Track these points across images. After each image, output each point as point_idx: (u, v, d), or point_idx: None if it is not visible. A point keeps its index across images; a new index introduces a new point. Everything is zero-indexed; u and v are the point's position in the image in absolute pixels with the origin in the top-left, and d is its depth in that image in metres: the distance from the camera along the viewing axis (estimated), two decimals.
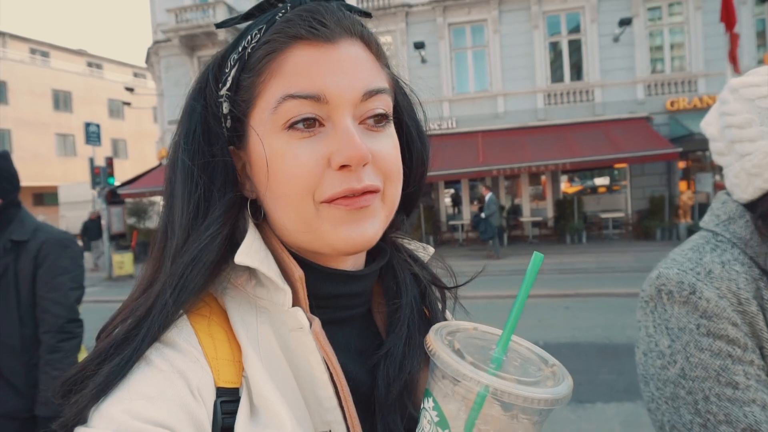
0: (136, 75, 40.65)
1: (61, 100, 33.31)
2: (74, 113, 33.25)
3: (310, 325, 0.55)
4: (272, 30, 0.56)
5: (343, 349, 0.57)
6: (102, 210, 16.16)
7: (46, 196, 32.54)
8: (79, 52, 38.16)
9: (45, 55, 35.27)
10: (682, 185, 16.94)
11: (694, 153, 16.67)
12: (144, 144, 36.79)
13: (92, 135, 15.40)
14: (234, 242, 0.57)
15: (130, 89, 21.13)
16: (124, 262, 15.09)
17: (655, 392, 0.89)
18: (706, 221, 1.00)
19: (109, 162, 16.09)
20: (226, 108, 0.59)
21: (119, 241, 17.60)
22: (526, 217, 17.79)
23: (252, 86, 0.56)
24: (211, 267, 0.55)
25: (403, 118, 0.66)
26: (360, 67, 0.56)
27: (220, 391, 0.52)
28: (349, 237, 0.55)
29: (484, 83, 17.27)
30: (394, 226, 0.69)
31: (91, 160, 15.69)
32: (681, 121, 15.30)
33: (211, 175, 0.58)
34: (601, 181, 18.39)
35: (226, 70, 0.59)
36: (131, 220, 20.19)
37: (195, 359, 0.52)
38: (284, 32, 0.55)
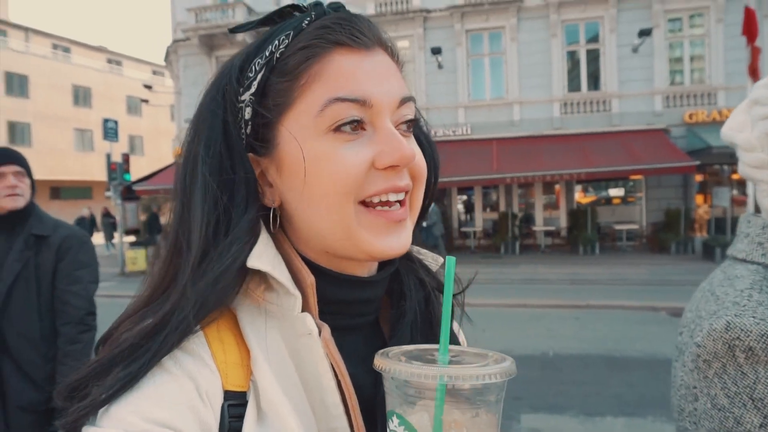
0: (155, 73, 41.14)
1: (81, 96, 33.80)
2: (93, 109, 33.72)
3: (320, 331, 0.55)
4: (308, 36, 0.57)
5: (350, 356, 0.57)
6: (117, 206, 16.33)
7: (63, 190, 33.00)
8: (100, 49, 38.73)
9: (66, 50, 35.84)
10: (699, 199, 16.73)
11: (711, 166, 16.46)
12: (160, 141, 37.18)
13: (110, 131, 15.59)
14: None
15: (148, 87, 21.39)
16: (137, 258, 15.23)
17: None
18: (748, 251, 0.83)
19: (126, 158, 16.27)
20: (248, 113, 0.58)
21: (136, 236, 17.74)
22: (538, 227, 17.68)
23: (288, 90, 0.56)
24: (233, 285, 0.55)
25: (418, 130, 0.69)
26: (393, 75, 0.59)
27: (228, 395, 0.53)
28: (387, 246, 0.57)
29: (500, 90, 17.22)
30: None
31: (108, 156, 15.88)
32: (699, 134, 15.13)
33: (232, 187, 0.57)
34: (616, 192, 18.22)
35: (250, 74, 0.58)
36: (144, 217, 20.39)
37: (204, 363, 0.53)
38: (324, 38, 0.56)
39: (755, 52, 9.63)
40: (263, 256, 0.55)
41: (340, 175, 0.55)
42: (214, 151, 0.57)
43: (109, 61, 38.80)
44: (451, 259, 0.52)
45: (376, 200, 0.57)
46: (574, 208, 17.29)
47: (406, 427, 0.46)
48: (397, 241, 0.58)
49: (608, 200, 18.21)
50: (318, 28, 0.57)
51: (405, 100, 0.59)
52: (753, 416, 0.66)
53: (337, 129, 0.55)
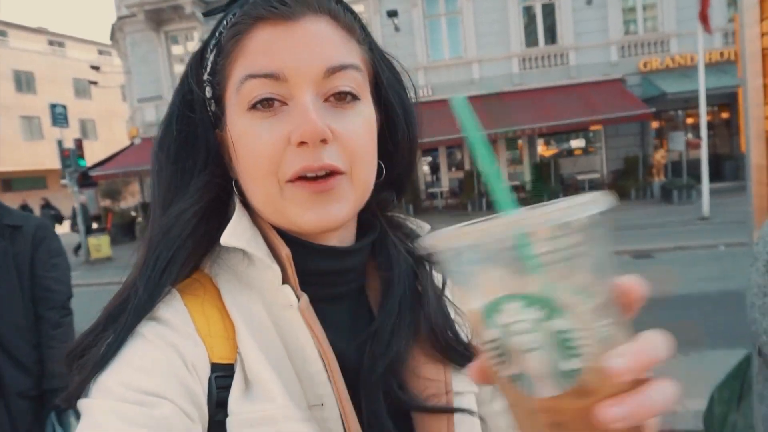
0: (101, 52, 39.28)
1: (24, 81, 32.09)
2: (38, 94, 32.10)
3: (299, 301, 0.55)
4: (239, 13, 0.57)
5: (333, 326, 0.57)
6: (74, 193, 15.81)
7: (15, 181, 31.65)
8: (39, 30, 36.63)
9: (2, 34, 33.80)
10: (656, 145, 17.21)
11: (666, 113, 16.90)
12: (113, 124, 35.83)
13: (59, 116, 14.93)
14: (227, 222, 0.58)
15: (95, 68, 20.46)
16: (100, 244, 14.86)
17: None
18: None
19: (79, 144, 15.66)
20: (209, 92, 0.60)
21: (97, 223, 17.27)
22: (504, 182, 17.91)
23: (223, 69, 0.58)
24: (188, 238, 0.56)
25: (386, 96, 0.64)
26: (323, 42, 0.55)
27: (215, 367, 0.53)
28: (314, 219, 0.55)
29: (458, 50, 17.12)
30: (384, 205, 0.69)
31: (60, 143, 15.25)
32: (654, 82, 15.45)
33: (191, 154, 0.59)
34: (577, 143, 18.57)
35: (207, 56, 0.60)
36: (105, 202, 19.83)
37: (187, 335, 0.53)
38: (248, 14, 0.56)
39: None
40: (237, 232, 0.56)
41: (257, 153, 0.55)
42: (172, 123, 0.60)
43: (51, 43, 36.80)
44: (455, 99, 0.43)
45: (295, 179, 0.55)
46: (537, 161, 17.58)
47: (538, 301, 0.32)
48: (325, 212, 0.55)
49: (570, 152, 18.55)
50: (249, 5, 0.56)
51: (335, 69, 0.55)
52: None
53: (253, 106, 0.55)
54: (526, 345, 0.33)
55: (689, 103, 14.98)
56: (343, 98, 0.56)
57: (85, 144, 17.02)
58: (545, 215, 0.32)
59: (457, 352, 0.64)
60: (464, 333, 0.67)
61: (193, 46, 18.46)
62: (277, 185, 0.55)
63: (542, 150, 18.40)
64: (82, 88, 34.08)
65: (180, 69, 18.87)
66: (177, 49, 18.89)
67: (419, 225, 0.72)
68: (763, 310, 0.89)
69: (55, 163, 19.07)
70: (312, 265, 0.59)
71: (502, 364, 0.35)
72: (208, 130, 0.60)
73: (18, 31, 34.90)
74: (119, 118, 34.10)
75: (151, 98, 18.55)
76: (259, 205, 0.58)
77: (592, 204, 0.34)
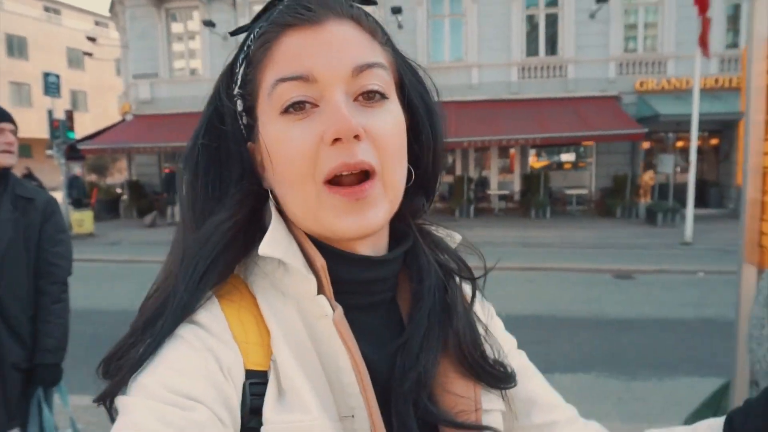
0: (97, 23, 38.69)
1: (15, 46, 31.49)
2: (30, 61, 31.57)
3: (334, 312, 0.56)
4: (267, 23, 0.58)
5: (365, 335, 0.59)
6: (60, 165, 15.55)
7: None
8: None
9: None
10: (644, 166, 17.39)
11: (657, 134, 17.09)
12: (106, 97, 35.33)
13: (51, 86, 14.67)
14: (263, 229, 0.59)
15: (92, 39, 20.19)
16: (84, 219, 14.64)
17: None
18: None
19: (69, 115, 15.40)
20: (240, 105, 0.61)
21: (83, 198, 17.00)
22: (493, 190, 18.02)
23: (253, 79, 0.59)
24: (226, 246, 0.57)
25: (410, 98, 0.64)
26: (349, 43, 0.57)
27: (249, 374, 0.54)
28: (352, 226, 0.56)
29: (459, 53, 17.15)
30: (414, 212, 0.69)
31: (50, 113, 14.99)
32: (648, 102, 15.61)
33: (225, 168, 0.61)
34: (568, 157, 18.71)
35: (237, 70, 0.61)
36: (91, 177, 19.55)
37: (225, 341, 0.54)
38: (275, 22, 0.57)
39: (705, 24, 9.91)
40: (274, 242, 0.56)
41: (292, 155, 0.55)
42: (205, 137, 0.61)
43: (47, 9, 36.14)
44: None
45: (334, 180, 0.56)
46: (528, 172, 17.67)
47: None
48: (360, 220, 0.56)
49: (560, 165, 18.70)
50: (275, 15, 0.58)
51: (363, 68, 0.56)
52: None
53: (285, 110, 0.56)
54: None
55: (681, 126, 15.16)
56: (372, 97, 0.57)
57: (75, 116, 16.74)
58: None
59: (484, 370, 0.65)
60: (491, 350, 0.68)
61: (193, 25, 18.27)
62: (314, 188, 0.56)
63: (533, 161, 18.50)
64: (75, 59, 33.56)
65: (179, 48, 18.68)
66: (176, 27, 18.66)
67: (449, 234, 0.72)
68: (760, 341, 0.94)
69: (41, 133, 18.75)
70: (346, 275, 0.60)
71: None
72: (240, 144, 0.61)
73: None
74: (112, 93, 33.59)
75: (147, 75, 18.31)
76: (296, 212, 0.59)
77: None
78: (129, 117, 18.40)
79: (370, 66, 0.57)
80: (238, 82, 0.61)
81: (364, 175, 0.56)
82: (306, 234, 0.60)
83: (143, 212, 17.87)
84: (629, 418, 3.85)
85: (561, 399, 0.76)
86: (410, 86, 0.65)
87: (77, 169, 15.71)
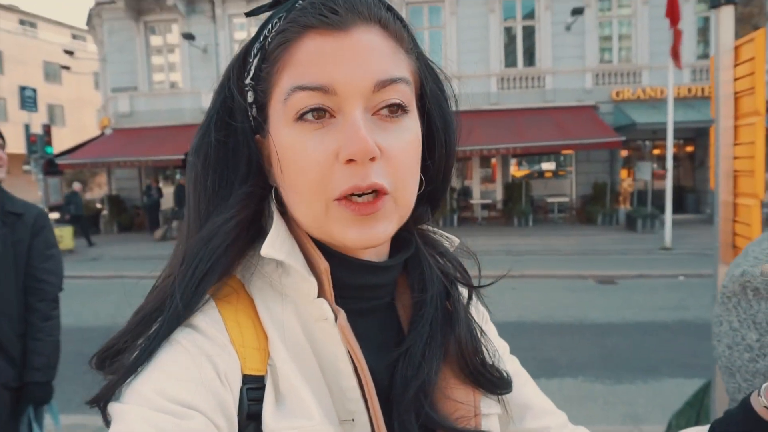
0: (74, 37, 38.27)
1: None
2: (5, 75, 31.07)
3: (335, 317, 0.55)
4: (287, 19, 0.55)
5: (364, 340, 0.57)
6: (38, 181, 15.29)
7: None
8: (10, 8, 35.48)
9: None
10: (623, 173, 17.73)
11: (635, 142, 17.46)
12: (84, 112, 34.88)
13: (28, 100, 14.49)
14: (262, 229, 0.58)
15: (69, 52, 19.96)
16: (63, 236, 14.39)
17: (743, 384, 0.94)
18: None
19: (47, 130, 15.19)
20: (251, 97, 0.58)
21: (60, 212, 16.70)
22: (475, 200, 18.18)
23: (269, 76, 0.56)
24: (227, 249, 0.56)
25: (429, 110, 0.62)
26: (373, 55, 0.53)
27: (246, 379, 0.53)
28: (358, 238, 0.55)
29: (438, 64, 17.22)
30: (418, 220, 0.67)
31: (27, 127, 14.77)
32: (625, 111, 15.95)
33: (232, 161, 0.58)
34: (548, 166, 18.97)
35: (250, 60, 0.58)
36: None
37: (222, 345, 0.53)
38: (296, 21, 0.54)
39: (677, 35, 10.19)
40: (276, 243, 0.55)
41: (305, 168, 0.53)
42: (212, 129, 0.58)
43: (22, 23, 35.65)
44: None
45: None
46: (509, 181, 17.88)
47: None
48: (371, 231, 0.54)
49: (541, 174, 18.94)
50: (297, 11, 0.54)
51: (385, 83, 0.53)
52: (752, 334, 0.93)
53: (301, 117, 0.53)
54: None
55: (657, 134, 15.51)
56: (394, 111, 0.55)
57: (53, 130, 16.52)
58: None
59: (484, 377, 0.65)
60: (488, 355, 0.67)
61: (173, 38, 18.21)
62: (323, 204, 0.54)
63: (514, 170, 18.73)
64: (52, 72, 33.12)
65: (158, 61, 18.57)
66: (155, 40, 18.57)
67: (448, 238, 0.71)
68: (719, 338, 1.00)
69: (17, 148, 18.41)
70: (347, 279, 0.59)
71: None
72: (249, 137, 0.58)
73: None
74: (90, 107, 33.22)
75: (126, 88, 18.15)
76: (302, 220, 0.57)
77: None
78: (108, 131, 18.20)
79: (393, 81, 0.54)
80: (251, 73, 0.58)
81: (376, 194, 0.54)
82: (310, 237, 0.59)
83: (124, 227, 17.63)
84: (616, 420, 3.92)
85: (553, 405, 0.77)
86: (431, 95, 0.62)
87: (76, 184, 15.41)
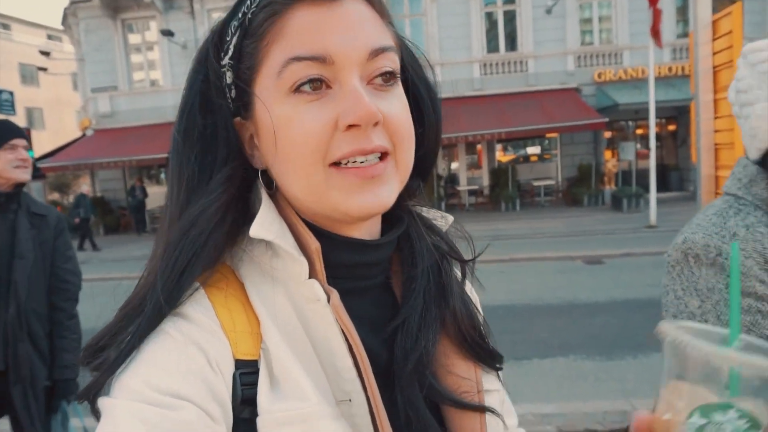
0: (50, 37, 37.56)
1: None
2: None
3: (328, 297, 0.54)
4: None
5: (358, 319, 0.56)
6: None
7: None
8: None
9: None
10: (607, 154, 17.88)
11: (618, 123, 17.60)
12: (63, 113, 34.33)
13: (5, 103, 14.23)
14: (250, 214, 0.57)
15: (45, 53, 19.58)
16: None
17: None
18: (728, 185, 1.01)
19: (26, 133, 14.92)
20: (229, 78, 0.57)
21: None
22: (462, 186, 18.23)
23: (255, 52, 0.55)
24: (210, 236, 0.54)
25: (411, 78, 0.63)
26: (364, 25, 0.54)
27: (239, 364, 0.52)
28: (362, 203, 0.54)
29: (420, 52, 17.25)
30: (410, 194, 0.67)
31: None
32: (607, 92, 16.05)
33: (210, 147, 0.57)
34: (534, 150, 19.07)
35: (227, 38, 0.57)
36: (53, 196, 18.99)
37: (212, 332, 0.52)
38: None
39: (656, 15, 10.24)
40: (265, 224, 0.55)
41: (303, 138, 0.53)
42: (189, 113, 0.57)
43: None
44: (734, 246, 0.50)
45: (344, 162, 0.54)
46: (495, 167, 17.95)
47: (743, 415, 0.43)
48: (374, 197, 0.54)
49: (526, 158, 19.04)
50: None
51: (378, 51, 0.54)
52: (694, 301, 0.92)
53: (298, 89, 0.53)
54: None
55: (639, 114, 15.64)
56: (387, 80, 0.55)
57: (33, 134, 16.26)
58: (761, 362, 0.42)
59: (483, 349, 0.65)
60: (484, 329, 0.68)
61: (151, 35, 17.94)
62: (322, 172, 0.54)
63: (500, 155, 18.80)
64: (29, 75, 32.50)
65: (137, 59, 18.30)
66: (134, 38, 18.29)
67: (443, 216, 0.71)
68: (666, 308, 1.00)
69: None
70: (339, 258, 0.59)
71: None
72: (227, 120, 0.57)
73: None
74: (69, 108, 32.71)
75: (105, 88, 17.88)
76: (299, 194, 0.56)
77: None
78: (89, 132, 17.95)
79: (384, 50, 0.55)
80: (230, 52, 0.56)
81: (380, 157, 0.55)
82: (300, 217, 0.58)
83: (110, 229, 17.44)
84: (607, 395, 3.98)
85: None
86: (411, 65, 0.64)
87: (85, 187, 15.17)
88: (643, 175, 14.82)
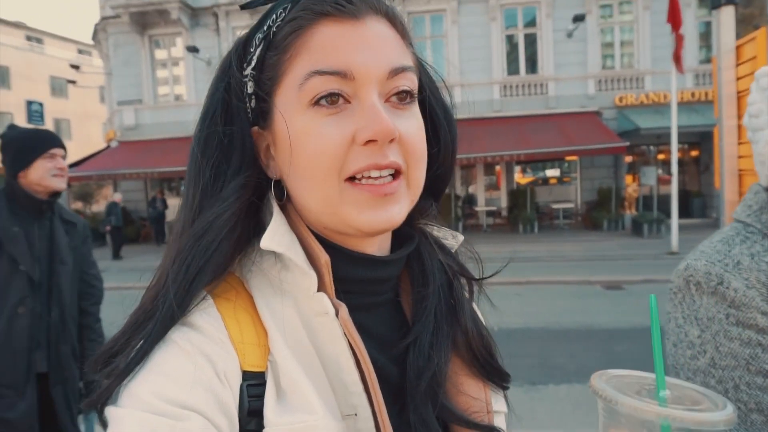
0: (80, 52, 38.71)
1: None
2: (12, 90, 31.39)
3: (336, 311, 0.54)
4: (298, 7, 0.56)
5: (367, 335, 0.57)
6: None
7: None
8: (17, 25, 35.94)
9: None
10: (628, 178, 17.69)
11: (639, 147, 17.43)
12: (90, 125, 35.17)
13: (35, 114, 14.60)
14: (261, 225, 0.57)
15: (75, 67, 20.13)
16: None
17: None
18: (738, 212, 0.98)
19: None
20: (250, 87, 0.58)
21: None
22: (480, 207, 18.16)
23: (277, 64, 0.56)
24: (221, 244, 0.55)
25: (429, 99, 0.64)
26: (386, 44, 0.56)
27: (246, 375, 0.52)
28: (373, 220, 0.55)
29: (441, 73, 17.30)
30: (422, 212, 0.68)
31: None
32: (628, 116, 15.94)
33: (226, 155, 0.58)
34: (553, 172, 18.96)
35: (251, 50, 0.58)
36: (77, 205, 19.36)
37: (220, 342, 0.52)
38: (310, 9, 0.55)
39: (679, 40, 10.20)
40: (276, 236, 0.55)
41: (320, 151, 0.53)
42: (210, 120, 0.58)
43: (29, 39, 36.11)
44: (653, 298, 0.54)
45: (359, 177, 0.55)
46: (514, 188, 17.86)
47: None
48: (384, 215, 0.55)
49: (545, 180, 18.92)
50: (307, 0, 0.56)
51: (398, 70, 0.55)
52: (694, 330, 0.89)
53: (317, 103, 0.54)
54: None
55: (661, 139, 15.48)
56: (403, 98, 0.57)
57: None
58: (692, 417, 0.45)
59: (492, 368, 0.65)
60: (493, 348, 0.68)
61: (177, 51, 18.37)
62: (337, 185, 0.54)
63: (519, 177, 18.72)
64: (58, 87, 33.46)
65: (163, 74, 18.72)
66: (160, 54, 18.74)
67: (453, 235, 0.72)
68: (667, 335, 0.98)
69: None
70: (348, 273, 0.59)
71: None
72: (245, 129, 0.58)
73: None
74: (95, 120, 33.51)
75: (131, 101, 18.32)
76: (313, 206, 0.57)
77: (724, 422, 0.45)
78: (114, 143, 18.33)
79: (404, 69, 0.56)
80: (253, 63, 0.58)
81: (393, 174, 0.56)
82: (311, 230, 0.58)
83: (130, 239, 17.67)
84: None
85: None
86: (428, 85, 0.65)
87: (117, 195, 15.46)
88: (664, 200, 14.61)
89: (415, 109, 0.59)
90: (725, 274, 0.87)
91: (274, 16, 0.57)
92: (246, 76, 0.58)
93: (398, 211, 0.56)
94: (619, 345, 5.82)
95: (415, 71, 0.59)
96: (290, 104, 0.55)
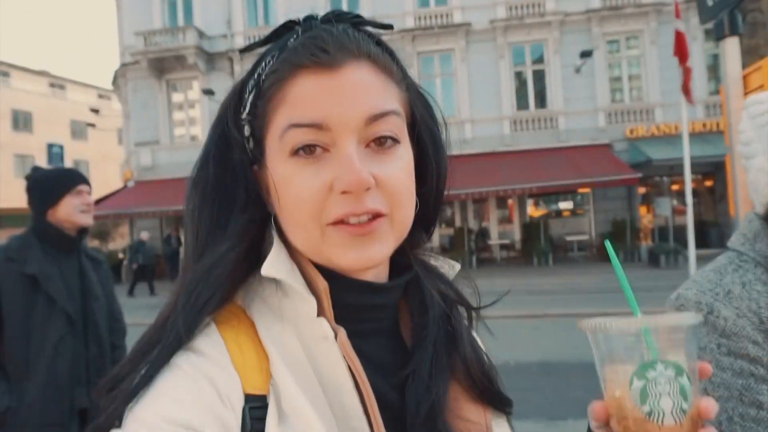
0: (100, 96, 39.91)
1: (21, 120, 32.36)
2: (34, 134, 32.32)
3: (335, 335, 0.56)
4: (279, 59, 0.57)
5: (366, 360, 0.57)
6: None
7: (4, 218, 31.31)
8: (42, 73, 37.29)
9: (5, 75, 34.34)
10: (642, 209, 17.58)
11: (652, 178, 17.37)
12: (107, 166, 35.94)
13: (55, 156, 14.97)
14: (262, 256, 0.59)
15: (95, 110, 20.84)
16: None
17: None
18: (733, 241, 0.98)
19: None
20: (247, 131, 0.61)
21: None
22: (494, 240, 18.09)
23: (264, 114, 0.58)
24: (228, 277, 0.57)
25: (421, 135, 0.65)
26: (364, 91, 0.56)
27: (249, 398, 0.53)
28: (355, 259, 0.56)
29: (451, 110, 17.67)
30: (414, 245, 0.68)
31: None
32: (640, 148, 15.96)
33: (229, 195, 0.60)
34: (566, 205, 18.91)
35: (245, 96, 0.61)
36: (94, 243, 19.62)
37: (223, 366, 0.53)
38: (288, 61, 0.56)
39: (687, 72, 10.30)
40: (276, 264, 0.57)
41: (300, 199, 0.55)
42: (209, 162, 0.61)
43: (52, 85, 37.36)
44: (607, 242, 0.65)
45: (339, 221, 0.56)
46: (527, 221, 17.81)
47: (683, 376, 0.51)
48: (365, 254, 0.56)
49: (559, 213, 18.87)
50: (289, 51, 0.57)
51: (376, 117, 0.56)
52: None
53: (296, 153, 0.55)
54: (664, 391, 0.51)
55: (674, 170, 15.43)
56: (383, 143, 0.57)
57: None
58: (665, 319, 0.53)
59: (492, 393, 0.66)
60: (493, 374, 0.68)
61: (193, 94, 18.89)
62: (318, 229, 0.56)
63: (532, 210, 18.69)
64: (79, 130, 34.40)
65: (179, 116, 19.22)
66: (177, 97, 19.31)
67: (450, 264, 0.72)
68: None
69: None
70: (347, 299, 0.60)
71: (642, 404, 0.51)
72: (246, 168, 0.61)
73: (21, 72, 35.48)
74: (113, 161, 34.22)
75: (148, 142, 18.78)
76: (300, 246, 0.59)
77: (693, 318, 0.53)
78: (131, 183, 18.71)
79: (384, 114, 0.56)
80: (247, 108, 0.60)
81: (372, 217, 0.56)
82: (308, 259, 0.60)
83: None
84: None
85: None
86: (421, 122, 0.65)
87: (144, 234, 15.73)
88: (680, 231, 14.45)
89: (399, 150, 0.59)
90: (715, 303, 0.87)
91: (264, 63, 0.59)
92: (243, 119, 0.61)
93: (379, 250, 0.57)
94: None
95: (399, 113, 0.59)
96: (274, 152, 0.58)
